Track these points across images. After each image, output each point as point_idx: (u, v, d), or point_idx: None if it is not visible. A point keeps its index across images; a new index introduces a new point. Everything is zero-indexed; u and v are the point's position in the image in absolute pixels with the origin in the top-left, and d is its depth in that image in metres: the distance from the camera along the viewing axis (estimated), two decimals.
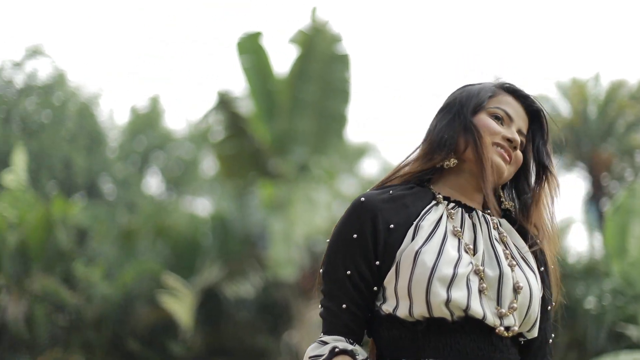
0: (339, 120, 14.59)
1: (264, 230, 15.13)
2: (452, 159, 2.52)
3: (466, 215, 2.49)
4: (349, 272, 2.37)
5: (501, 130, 2.51)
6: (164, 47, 45.37)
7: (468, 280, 2.32)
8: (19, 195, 17.04)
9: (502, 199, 2.61)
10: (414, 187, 2.52)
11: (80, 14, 44.45)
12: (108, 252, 16.54)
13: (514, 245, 2.51)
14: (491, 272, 2.36)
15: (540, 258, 2.57)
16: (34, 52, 26.60)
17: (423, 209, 2.45)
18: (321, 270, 2.44)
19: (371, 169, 29.33)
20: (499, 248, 2.44)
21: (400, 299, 2.34)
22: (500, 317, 2.35)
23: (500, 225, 2.54)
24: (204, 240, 16.45)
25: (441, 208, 2.47)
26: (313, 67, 14.41)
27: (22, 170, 18.21)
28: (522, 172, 2.63)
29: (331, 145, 14.62)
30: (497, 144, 2.50)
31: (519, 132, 2.56)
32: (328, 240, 2.46)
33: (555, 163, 2.67)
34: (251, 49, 14.66)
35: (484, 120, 2.53)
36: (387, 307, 2.37)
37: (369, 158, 28.85)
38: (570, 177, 23.68)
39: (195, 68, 45.65)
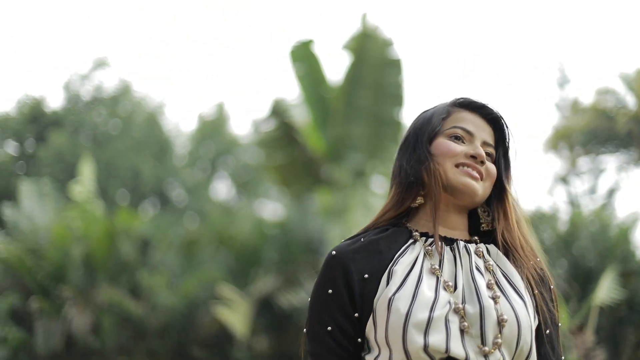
0: (394, 125, 14.58)
1: (323, 237, 15.17)
2: (418, 199, 2.45)
3: (447, 249, 2.40)
4: (329, 328, 2.33)
5: (462, 149, 2.44)
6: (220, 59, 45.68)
7: (447, 321, 2.25)
8: (86, 207, 17.32)
9: (482, 221, 2.52)
10: (389, 228, 2.45)
11: (137, 24, 45.03)
12: (172, 262, 16.73)
13: (502, 272, 2.41)
14: (471, 309, 2.28)
15: (534, 279, 2.46)
16: (100, 64, 27.06)
17: (397, 252, 2.38)
18: (305, 330, 2.41)
19: None
20: (480, 280, 2.34)
21: (381, 348, 2.29)
22: (485, 355, 2.25)
23: (488, 252, 2.45)
24: (266, 247, 16.55)
25: (418, 246, 2.40)
26: (366, 73, 14.42)
27: (89, 181, 18.51)
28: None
29: (387, 151, 14.61)
30: (462, 164, 2.43)
31: (485, 144, 2.49)
32: (309, 299, 2.43)
33: (514, 172, 2.57)
34: (304, 57, 14.73)
35: (441, 144, 2.46)
36: (369, 357, 2.33)
37: None
38: (639, 171, 23.32)
39: (246, 73, 45.87)
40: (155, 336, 15.91)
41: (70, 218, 16.92)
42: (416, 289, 2.28)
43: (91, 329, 15.46)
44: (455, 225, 2.47)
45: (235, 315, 14.54)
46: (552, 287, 2.51)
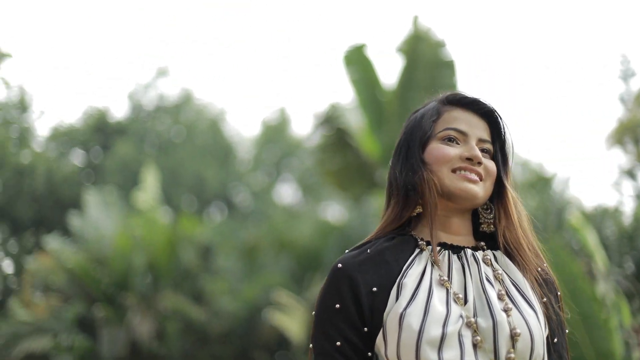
0: None
1: None
2: (417, 208, 2.37)
3: (454, 257, 2.32)
4: (338, 343, 2.23)
5: (457, 152, 2.34)
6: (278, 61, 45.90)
7: (460, 336, 2.16)
8: (149, 215, 17.54)
9: (481, 220, 2.43)
10: (395, 237, 2.36)
11: (195, 34, 45.42)
12: (233, 267, 16.84)
13: (512, 281, 2.32)
14: (484, 323, 2.20)
15: (542, 285, 2.37)
16: (161, 74, 27.41)
17: (405, 262, 2.29)
18: (311, 345, 2.31)
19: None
20: (491, 292, 2.25)
21: None
22: None
23: (495, 259, 2.37)
24: (326, 251, 16.58)
25: (425, 255, 2.31)
26: (419, 75, 14.37)
27: (153, 189, 18.74)
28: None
29: None
30: (458, 168, 2.33)
31: (480, 141, 2.39)
32: (314, 312, 2.33)
33: (512, 165, 2.46)
34: (357, 61, 14.72)
35: (434, 151, 2.36)
36: None
37: None
38: None
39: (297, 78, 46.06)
40: (218, 341, 16.06)
41: (134, 226, 17.14)
42: (427, 303, 2.19)
43: (155, 335, 15.65)
44: (459, 230, 2.39)
45: (292, 320, 14.60)
46: (558, 293, 2.42)
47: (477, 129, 2.40)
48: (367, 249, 2.32)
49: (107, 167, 24.92)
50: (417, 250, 2.32)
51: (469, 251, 2.34)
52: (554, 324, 2.36)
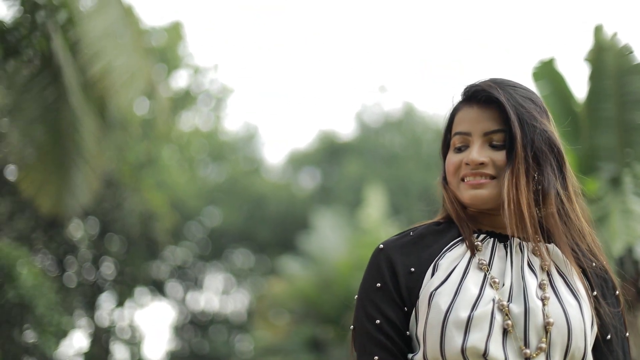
0: None
1: None
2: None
3: (500, 246, 2.27)
4: (378, 322, 2.22)
5: (460, 160, 2.29)
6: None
7: (492, 318, 2.11)
8: (372, 233, 18.16)
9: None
10: (442, 223, 2.35)
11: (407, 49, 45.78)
12: None
13: (560, 272, 2.26)
14: (516, 308, 2.14)
15: (594, 280, 2.31)
16: (382, 90, 28.16)
17: (446, 246, 2.28)
18: (352, 327, 2.30)
19: None
20: (530, 280, 2.19)
21: (420, 344, 2.19)
22: (527, 358, 2.11)
23: (547, 251, 2.27)
24: None
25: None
26: (607, 84, 14.45)
27: (378, 206, 19.40)
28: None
29: (638, 157, 14.57)
30: (465, 176, 2.29)
31: (486, 134, 2.26)
32: (356, 296, 2.33)
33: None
34: (547, 75, 14.95)
35: (447, 163, 2.34)
36: (410, 354, 2.24)
37: None
38: None
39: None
40: None
41: (357, 245, 17.75)
42: (460, 284, 2.17)
43: None
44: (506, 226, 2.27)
45: None
46: (616, 292, 2.35)
47: (481, 123, 2.29)
48: (410, 232, 2.34)
49: (337, 187, 25.88)
50: (461, 237, 2.31)
51: (516, 240, 2.28)
52: (607, 320, 2.28)
